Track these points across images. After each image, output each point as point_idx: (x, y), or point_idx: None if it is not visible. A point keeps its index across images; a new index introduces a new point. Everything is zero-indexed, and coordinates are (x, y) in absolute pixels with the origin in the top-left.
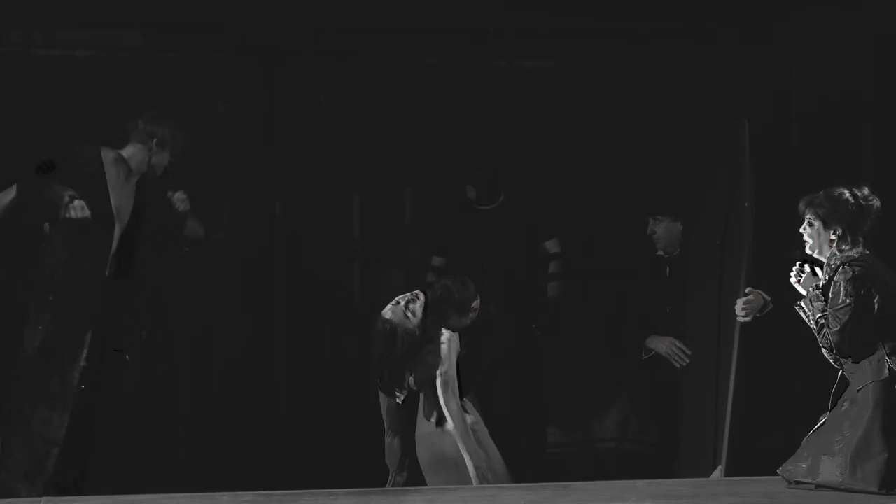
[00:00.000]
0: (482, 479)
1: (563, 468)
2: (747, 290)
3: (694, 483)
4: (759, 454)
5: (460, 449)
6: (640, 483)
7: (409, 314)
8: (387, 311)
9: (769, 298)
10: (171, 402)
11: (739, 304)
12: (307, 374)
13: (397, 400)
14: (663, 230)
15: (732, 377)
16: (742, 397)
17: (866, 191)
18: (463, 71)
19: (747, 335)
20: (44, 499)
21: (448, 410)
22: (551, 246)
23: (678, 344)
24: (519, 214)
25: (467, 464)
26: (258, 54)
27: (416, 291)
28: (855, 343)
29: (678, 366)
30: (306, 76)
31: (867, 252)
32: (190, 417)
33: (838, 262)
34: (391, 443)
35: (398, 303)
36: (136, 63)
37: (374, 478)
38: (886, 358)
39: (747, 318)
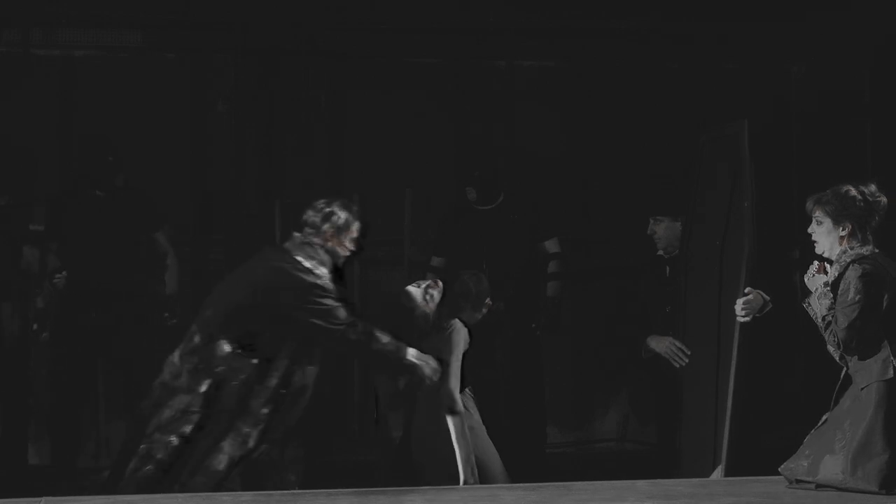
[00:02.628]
0: (468, 473)
1: (563, 468)
2: (747, 290)
3: (694, 483)
4: (759, 454)
5: (452, 439)
6: (640, 483)
7: (427, 297)
8: (411, 288)
9: (769, 298)
10: None
11: (739, 304)
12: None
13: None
14: (663, 230)
15: (732, 377)
16: (742, 397)
17: (873, 187)
18: (463, 71)
19: (747, 335)
20: (44, 499)
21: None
22: (551, 246)
23: (678, 344)
24: (518, 214)
25: (456, 455)
26: (258, 54)
27: (437, 279)
28: (862, 340)
29: (678, 366)
30: (306, 76)
31: (877, 250)
32: None
33: (848, 260)
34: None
35: (419, 285)
36: (135, 63)
37: (373, 477)
38: (892, 358)
39: (747, 318)
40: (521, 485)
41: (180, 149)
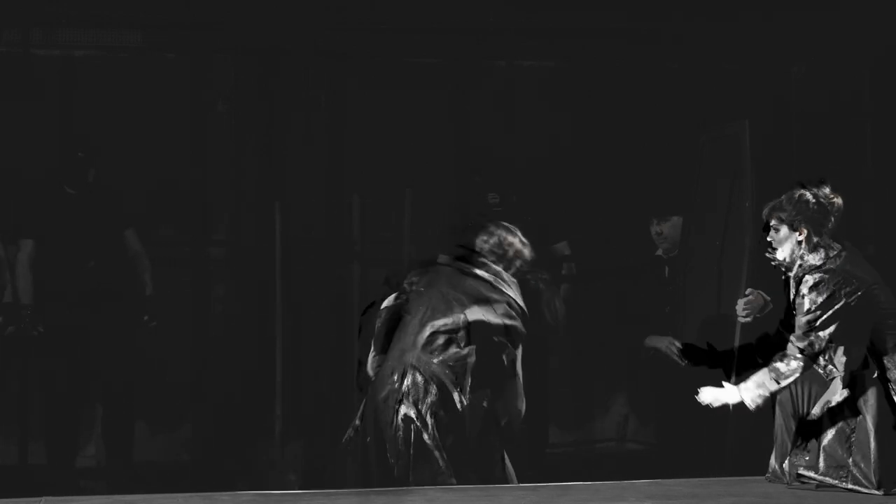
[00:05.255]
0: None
1: (563, 468)
2: (748, 290)
3: (694, 483)
4: (759, 455)
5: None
6: (641, 483)
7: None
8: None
9: (769, 298)
10: (170, 400)
11: (740, 304)
12: (307, 374)
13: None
14: (669, 228)
15: (734, 378)
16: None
17: (826, 190)
18: (463, 71)
19: (747, 335)
20: (44, 499)
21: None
22: (562, 248)
23: (677, 343)
24: (532, 216)
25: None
26: (258, 54)
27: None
28: (822, 346)
29: (683, 364)
30: (306, 76)
31: (834, 253)
32: (189, 417)
33: (800, 275)
34: None
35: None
36: (135, 63)
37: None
38: (872, 361)
39: (748, 319)
40: (521, 485)
41: (180, 149)
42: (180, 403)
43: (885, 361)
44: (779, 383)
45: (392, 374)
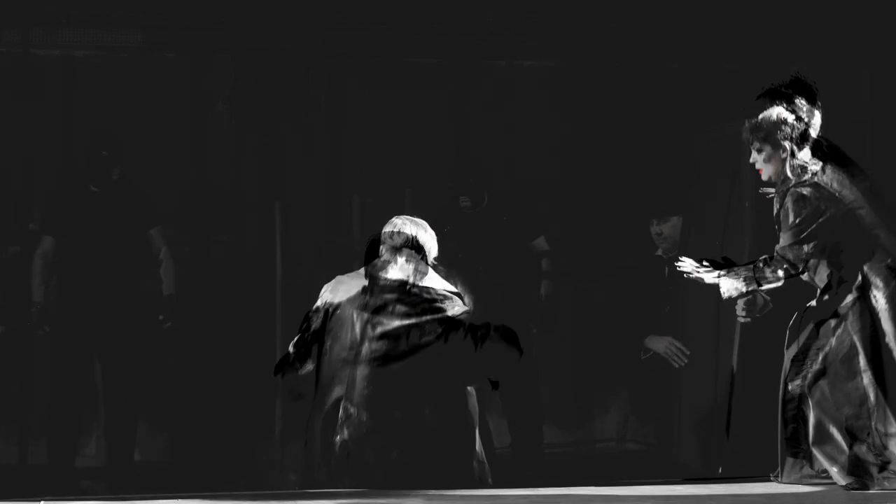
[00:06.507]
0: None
1: (562, 468)
2: None
3: (694, 483)
4: (759, 454)
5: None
6: (641, 484)
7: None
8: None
9: (769, 298)
10: (170, 400)
11: (740, 304)
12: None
13: None
14: (669, 229)
15: (733, 378)
16: (742, 397)
17: (802, 101)
18: (463, 71)
19: (747, 335)
20: (44, 499)
21: None
22: (541, 244)
23: (677, 344)
24: (508, 215)
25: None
26: (258, 54)
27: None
28: (804, 259)
29: (677, 366)
30: (306, 76)
31: (816, 169)
32: (189, 417)
33: (784, 189)
34: None
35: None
36: (135, 63)
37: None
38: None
39: (747, 319)
40: (520, 487)
41: (180, 149)
42: (180, 403)
43: (868, 275)
44: (759, 285)
45: (324, 401)
